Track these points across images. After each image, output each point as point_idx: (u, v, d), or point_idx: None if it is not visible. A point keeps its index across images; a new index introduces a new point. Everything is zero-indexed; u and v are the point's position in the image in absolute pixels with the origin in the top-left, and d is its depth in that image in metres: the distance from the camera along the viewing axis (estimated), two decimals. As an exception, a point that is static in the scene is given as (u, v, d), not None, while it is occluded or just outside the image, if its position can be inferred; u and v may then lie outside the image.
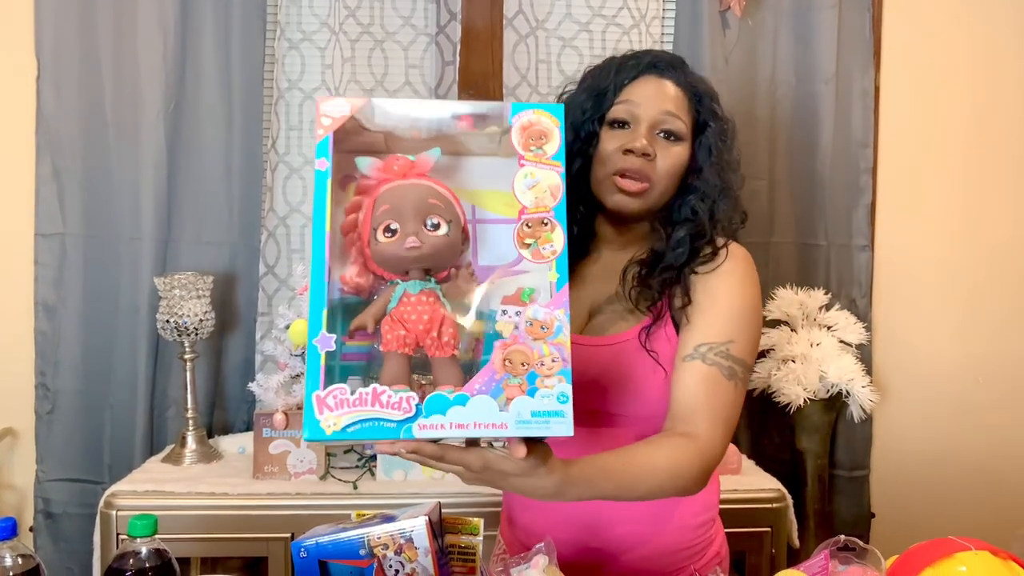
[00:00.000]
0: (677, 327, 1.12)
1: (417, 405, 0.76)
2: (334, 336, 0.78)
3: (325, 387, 0.76)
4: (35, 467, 2.19)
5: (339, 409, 0.76)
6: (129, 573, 0.95)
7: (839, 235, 2.34)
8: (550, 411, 0.77)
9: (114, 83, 2.15)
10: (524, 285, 0.84)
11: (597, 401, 1.12)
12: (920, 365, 2.42)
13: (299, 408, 1.92)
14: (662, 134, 1.12)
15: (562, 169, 0.84)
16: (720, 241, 1.14)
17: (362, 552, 1.00)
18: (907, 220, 2.41)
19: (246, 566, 1.98)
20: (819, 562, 1.07)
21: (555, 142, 0.85)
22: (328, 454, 1.95)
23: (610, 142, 1.11)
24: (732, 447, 2.02)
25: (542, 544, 0.94)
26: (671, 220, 1.14)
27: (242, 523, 1.79)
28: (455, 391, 0.77)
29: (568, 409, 0.77)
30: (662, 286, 1.13)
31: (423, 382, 0.83)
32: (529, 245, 0.83)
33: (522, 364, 0.78)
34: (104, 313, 2.17)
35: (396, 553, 1.00)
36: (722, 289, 1.12)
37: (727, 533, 1.34)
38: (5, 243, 2.20)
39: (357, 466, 1.99)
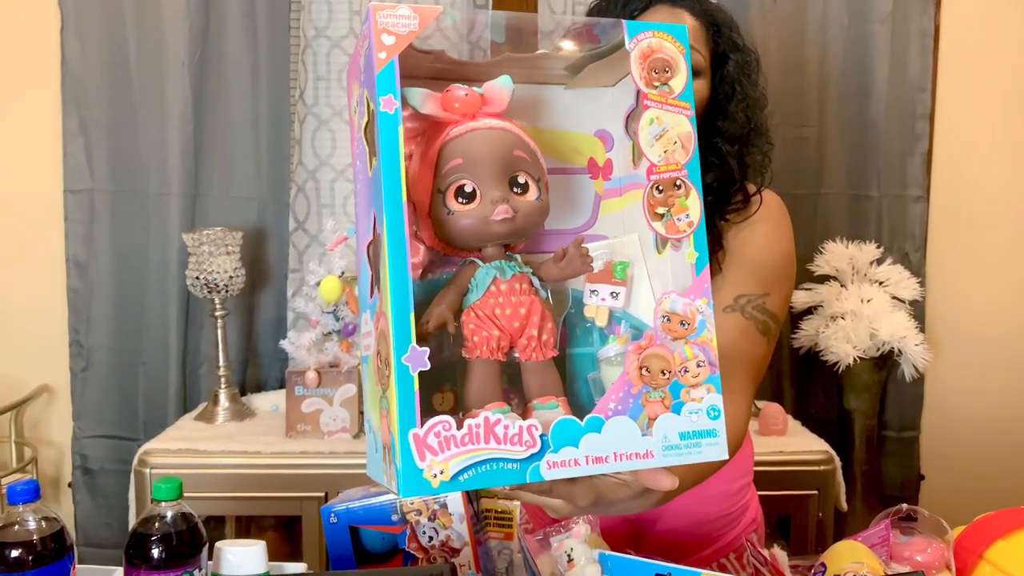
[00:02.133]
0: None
1: (542, 437, 0.58)
2: (427, 351, 0.57)
3: (424, 422, 0.56)
4: (72, 424, 2.19)
5: (445, 451, 0.56)
6: (155, 537, 0.91)
7: (892, 185, 2.22)
8: (701, 431, 0.62)
9: (138, 33, 2.10)
10: (614, 258, 0.69)
11: None
12: (976, 323, 2.31)
13: (331, 366, 1.88)
14: None
15: (692, 113, 0.65)
16: (752, 188, 1.06)
17: (394, 518, 0.96)
18: (965, 170, 2.28)
19: (281, 525, 1.97)
20: (879, 532, 1.00)
21: (682, 76, 0.65)
22: (362, 412, 1.92)
23: None
24: (778, 407, 1.95)
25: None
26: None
27: (275, 482, 1.77)
28: (589, 414, 0.61)
29: (721, 426, 0.62)
30: None
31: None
32: (662, 216, 0.64)
33: (662, 372, 0.62)
34: (134, 270, 2.15)
35: (430, 519, 0.95)
36: (757, 239, 1.05)
37: (772, 496, 1.29)
38: (35, 200, 2.18)
39: (391, 425, 1.95)
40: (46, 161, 2.15)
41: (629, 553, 0.83)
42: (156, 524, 0.92)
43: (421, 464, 0.56)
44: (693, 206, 0.64)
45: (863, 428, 2.13)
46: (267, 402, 2.08)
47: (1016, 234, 2.31)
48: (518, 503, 1.05)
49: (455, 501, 0.95)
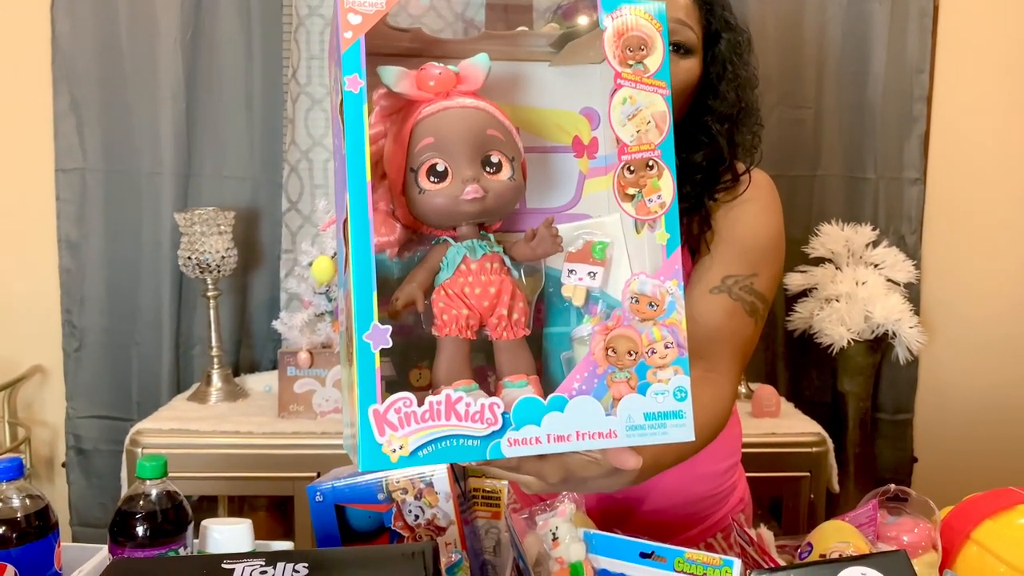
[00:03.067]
0: (692, 255, 1.04)
1: (503, 414, 0.59)
2: (389, 328, 0.57)
3: (384, 398, 0.57)
4: (65, 404, 2.19)
5: (405, 427, 0.57)
6: (139, 515, 0.91)
7: (889, 168, 2.20)
8: (666, 412, 0.61)
9: (129, 11, 2.08)
10: (593, 238, 0.68)
11: None
12: (971, 306, 2.30)
13: (324, 347, 1.88)
14: (673, 46, 1.00)
15: (668, 92, 0.64)
16: (741, 167, 1.05)
17: (380, 496, 0.95)
18: (962, 152, 2.26)
19: (273, 505, 1.97)
20: (867, 512, 1.00)
21: (658, 54, 0.64)
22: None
23: None
24: (771, 389, 1.95)
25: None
26: (685, 143, 1.04)
27: (268, 462, 1.77)
28: (553, 393, 0.61)
29: (687, 407, 0.62)
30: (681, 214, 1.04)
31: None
32: (632, 197, 0.64)
33: (628, 353, 0.61)
34: (127, 250, 2.14)
35: (416, 498, 0.95)
36: (745, 219, 1.04)
37: (764, 478, 1.29)
38: (26, 179, 2.17)
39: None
40: (37, 140, 2.13)
41: (616, 532, 0.83)
42: (141, 502, 0.92)
43: (380, 439, 0.57)
44: (666, 187, 0.64)
45: (857, 411, 2.13)
46: (260, 383, 2.08)
47: (1012, 218, 2.30)
48: (506, 483, 1.05)
49: (441, 480, 0.94)
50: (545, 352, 0.71)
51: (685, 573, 0.77)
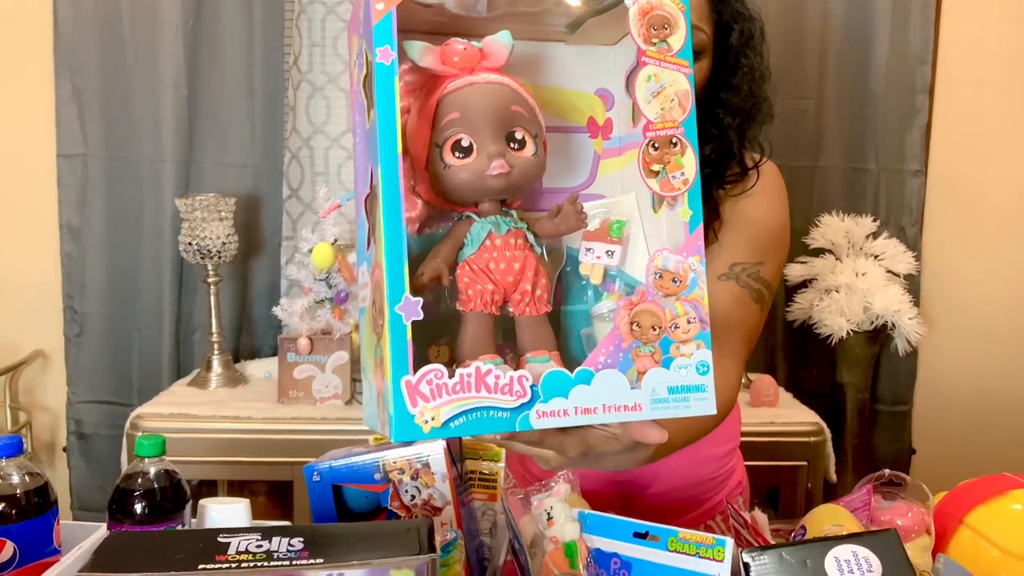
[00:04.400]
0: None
1: (532, 387, 0.59)
2: (420, 301, 0.58)
3: (416, 370, 0.57)
4: (66, 389, 2.20)
5: (437, 398, 0.57)
6: (137, 493, 0.92)
7: (890, 159, 2.20)
8: (689, 385, 0.62)
9: (131, -4, 2.08)
10: (610, 217, 0.69)
11: None
12: (971, 298, 2.30)
13: (324, 333, 1.89)
14: None
15: (690, 71, 0.65)
16: (750, 161, 1.05)
17: (377, 476, 0.96)
18: (964, 144, 2.26)
19: (273, 490, 1.98)
20: (861, 496, 1.01)
21: (681, 33, 0.64)
22: (354, 379, 1.92)
23: None
24: (769, 379, 1.95)
25: (565, 471, 0.89)
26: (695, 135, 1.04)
27: (267, 447, 1.78)
28: (580, 367, 0.61)
29: (710, 381, 0.63)
30: None
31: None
32: (657, 173, 0.64)
33: (652, 328, 0.62)
34: (128, 236, 2.15)
35: (412, 478, 0.95)
36: (754, 208, 1.04)
37: (761, 467, 1.30)
38: (29, 165, 2.17)
39: (383, 392, 1.96)
40: (39, 126, 2.14)
41: (612, 514, 0.84)
42: (139, 480, 0.93)
43: (413, 410, 0.57)
44: (688, 164, 0.64)
45: (855, 401, 2.13)
46: (260, 369, 2.09)
47: (1014, 210, 2.30)
48: (503, 465, 1.05)
49: (437, 461, 0.95)
50: (564, 330, 0.71)
51: (678, 552, 0.77)
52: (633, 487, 1.14)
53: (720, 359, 0.97)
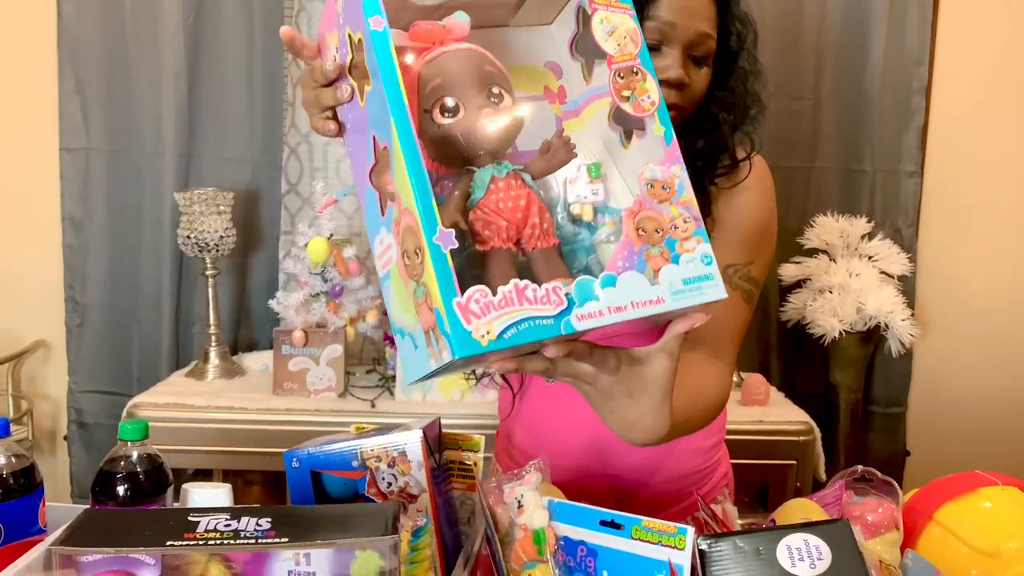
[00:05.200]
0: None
1: (567, 295, 0.65)
2: (453, 232, 0.64)
3: (463, 292, 0.63)
4: (67, 379, 2.23)
5: (487, 314, 0.63)
6: (119, 475, 0.94)
7: (886, 160, 2.21)
8: (699, 276, 0.69)
9: (133, -8, 2.11)
10: (587, 162, 0.76)
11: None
12: (967, 300, 2.30)
13: (319, 326, 1.91)
14: (692, 58, 1.00)
15: (633, 12, 0.74)
16: (741, 153, 1.06)
17: (355, 464, 0.98)
18: (961, 146, 2.26)
19: (267, 480, 2.00)
20: (833, 492, 1.02)
21: None
22: (347, 372, 1.95)
23: None
24: (760, 378, 1.96)
25: (536, 461, 0.91)
26: (689, 128, 1.05)
27: (261, 438, 1.80)
28: (603, 273, 0.67)
29: (715, 270, 0.69)
30: None
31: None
32: (628, 98, 0.72)
33: (656, 231, 0.69)
34: (129, 229, 2.18)
35: (389, 466, 0.97)
36: (745, 206, 1.05)
37: (751, 465, 1.31)
38: (32, 158, 2.21)
39: (378, 385, 1.98)
40: (42, 120, 2.17)
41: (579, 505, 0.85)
42: (122, 463, 0.95)
43: (468, 327, 0.62)
44: (652, 88, 0.73)
45: (848, 402, 2.14)
46: (257, 361, 2.11)
47: (1010, 214, 2.30)
48: (481, 455, 1.07)
49: (414, 449, 0.97)
50: (573, 266, 0.77)
51: (642, 540, 0.78)
52: (617, 483, 1.15)
53: (715, 360, 0.99)
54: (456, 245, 0.63)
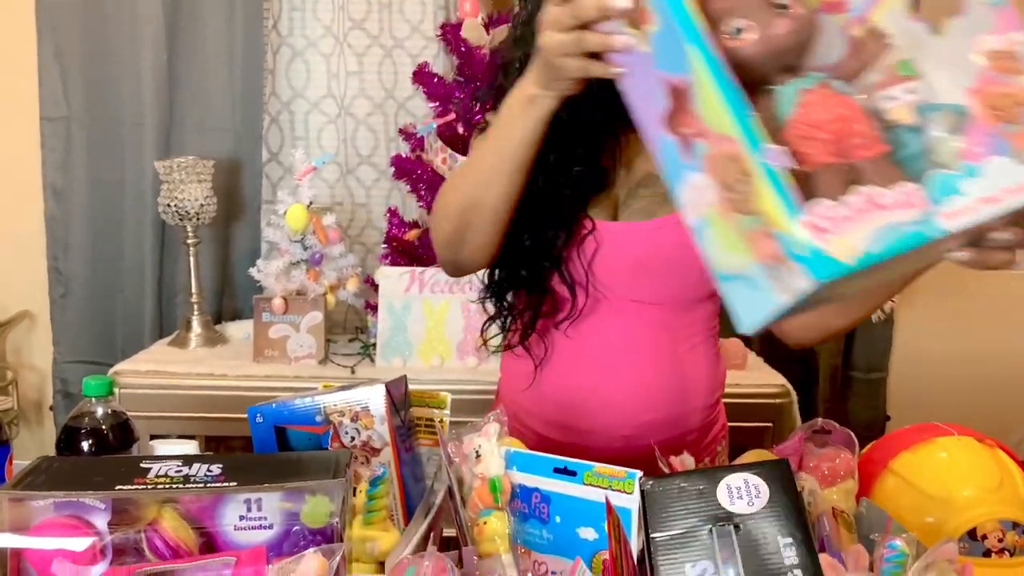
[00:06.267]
0: None
1: (925, 198, 0.57)
2: (784, 148, 0.57)
3: (807, 208, 0.56)
4: (52, 349, 2.24)
5: (840, 229, 0.55)
6: (84, 431, 0.95)
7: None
8: None
9: (111, -42, 2.09)
10: (895, 58, 0.67)
11: (647, 287, 1.07)
12: (948, 265, 2.30)
13: (298, 294, 1.92)
14: None
15: None
16: None
17: (318, 419, 0.99)
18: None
19: (248, 446, 2.02)
20: (792, 444, 1.03)
21: None
22: (328, 340, 1.96)
23: None
24: (737, 342, 1.97)
25: (495, 412, 0.92)
26: None
27: (242, 404, 1.78)
28: (958, 162, 0.59)
29: None
30: None
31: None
32: None
33: (1016, 105, 0.60)
34: (111, 198, 2.18)
35: (352, 420, 0.98)
36: None
37: (728, 427, 1.33)
38: (12, 127, 2.20)
39: (358, 353, 2.00)
40: (22, 88, 2.16)
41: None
42: (87, 419, 0.96)
43: (825, 247, 0.55)
44: None
45: (827, 367, 2.16)
46: (240, 330, 2.12)
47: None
48: (447, 411, 1.09)
49: (377, 404, 0.98)
50: (909, 175, 0.66)
51: (592, 486, 0.80)
52: (638, 441, 1.14)
53: None
54: (793, 163, 0.56)
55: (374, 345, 1.96)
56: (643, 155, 1.06)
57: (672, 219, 1.05)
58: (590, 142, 1.02)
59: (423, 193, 1.99)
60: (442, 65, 2.11)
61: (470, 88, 1.95)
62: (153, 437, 1.12)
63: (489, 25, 1.93)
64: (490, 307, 1.13)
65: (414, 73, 1.99)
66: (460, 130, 1.96)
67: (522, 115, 0.86)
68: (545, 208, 1.00)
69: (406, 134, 2.01)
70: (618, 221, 1.06)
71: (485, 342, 1.17)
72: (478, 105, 1.94)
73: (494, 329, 1.15)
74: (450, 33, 1.93)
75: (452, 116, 1.95)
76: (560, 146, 0.97)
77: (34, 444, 2.32)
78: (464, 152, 1.93)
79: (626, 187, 1.09)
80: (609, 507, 0.66)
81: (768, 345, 2.26)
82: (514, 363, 1.17)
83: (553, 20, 0.74)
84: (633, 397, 1.10)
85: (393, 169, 2.00)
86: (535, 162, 0.93)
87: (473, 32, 1.89)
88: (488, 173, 0.93)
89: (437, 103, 1.98)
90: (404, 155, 2.01)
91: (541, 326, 1.10)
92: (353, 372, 1.87)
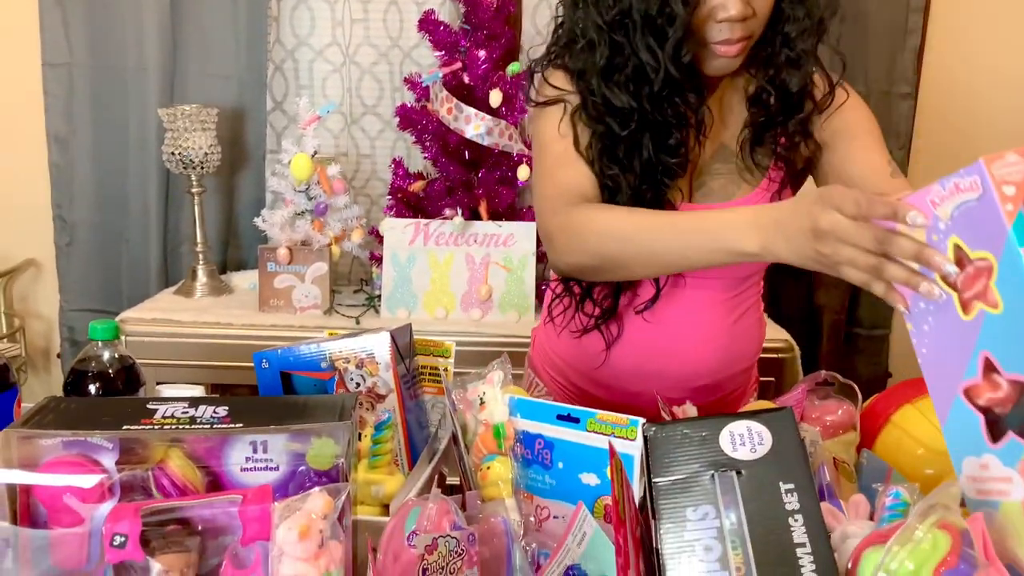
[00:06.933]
0: (801, 178, 1.12)
1: None
2: None
3: None
4: (58, 297, 2.25)
5: None
6: (91, 374, 0.96)
7: (880, 81, 2.17)
8: None
9: (111, -100, 2.04)
10: None
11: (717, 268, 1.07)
12: None
13: (303, 244, 1.91)
14: None
15: None
16: (834, 77, 1.06)
17: (323, 365, 1.00)
18: (958, 67, 2.22)
19: (253, 394, 2.03)
20: (796, 395, 1.04)
21: None
22: (333, 291, 1.96)
23: (700, 8, 0.94)
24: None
25: (499, 359, 0.92)
26: (771, 63, 1.02)
27: (247, 353, 1.80)
28: None
29: None
30: (788, 144, 1.06)
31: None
32: None
33: None
34: (114, 146, 2.16)
35: (357, 367, 0.99)
36: (856, 119, 1.07)
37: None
38: (15, 74, 2.18)
39: (363, 304, 2.00)
40: (24, 34, 2.13)
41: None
42: (93, 363, 0.97)
43: None
44: None
45: (831, 323, 2.16)
46: (245, 280, 2.13)
47: (1004, 139, 2.27)
48: (451, 360, 1.09)
49: (382, 351, 0.98)
50: None
51: (595, 432, 0.81)
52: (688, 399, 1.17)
53: None
54: None
55: (379, 297, 1.96)
56: (716, 125, 1.07)
57: (745, 202, 1.09)
58: (674, 132, 1.02)
59: (428, 144, 1.97)
60: (448, 13, 2.07)
61: (476, 36, 1.92)
62: (159, 384, 1.12)
63: (497, -28, 1.89)
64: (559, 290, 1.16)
65: (420, 21, 1.96)
66: (466, 79, 1.94)
67: (720, 259, 0.87)
68: (638, 202, 1.01)
69: (411, 83, 1.98)
70: (695, 203, 1.09)
71: (553, 319, 1.19)
72: (484, 53, 1.91)
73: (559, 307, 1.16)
74: (457, -20, 1.90)
75: (458, 65, 1.93)
76: (647, 145, 1.00)
77: (42, 390, 2.34)
78: (469, 102, 1.91)
79: (700, 161, 1.10)
80: (612, 452, 0.66)
81: (770, 302, 2.26)
82: (574, 343, 1.18)
83: (851, 235, 0.73)
84: (688, 366, 1.17)
85: (398, 119, 1.98)
86: (621, 159, 0.99)
87: (480, -21, 1.86)
88: (649, 256, 0.93)
89: (443, 52, 1.95)
90: (409, 105, 1.99)
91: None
92: (358, 323, 1.87)
